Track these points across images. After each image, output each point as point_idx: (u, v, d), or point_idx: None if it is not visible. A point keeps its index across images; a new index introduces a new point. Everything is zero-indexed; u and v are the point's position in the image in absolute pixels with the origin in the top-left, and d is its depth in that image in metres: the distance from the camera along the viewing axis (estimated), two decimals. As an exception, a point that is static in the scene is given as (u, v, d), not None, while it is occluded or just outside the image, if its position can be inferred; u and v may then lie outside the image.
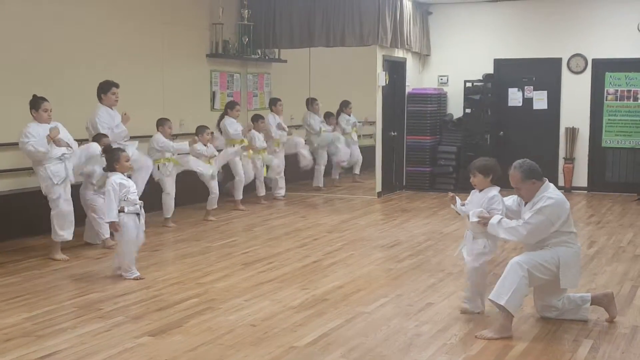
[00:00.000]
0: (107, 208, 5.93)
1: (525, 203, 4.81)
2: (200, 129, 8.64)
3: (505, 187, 4.96)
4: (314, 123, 11.29)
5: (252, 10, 10.70)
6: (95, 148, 6.91)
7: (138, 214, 6.00)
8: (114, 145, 7.06)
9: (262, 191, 9.98)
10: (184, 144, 8.42)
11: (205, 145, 8.59)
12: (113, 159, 6.14)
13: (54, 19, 7.95)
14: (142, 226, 6.08)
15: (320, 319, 4.93)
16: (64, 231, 6.69)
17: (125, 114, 7.50)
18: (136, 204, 6.00)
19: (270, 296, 5.47)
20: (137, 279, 5.90)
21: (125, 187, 5.99)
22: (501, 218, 4.75)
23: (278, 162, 10.16)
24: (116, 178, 6.01)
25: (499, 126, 11.65)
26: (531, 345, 4.46)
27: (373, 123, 12.23)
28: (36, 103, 6.68)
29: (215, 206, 8.79)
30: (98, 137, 7.16)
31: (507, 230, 4.72)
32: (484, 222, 4.80)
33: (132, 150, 7.32)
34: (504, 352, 4.33)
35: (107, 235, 7.16)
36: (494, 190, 4.92)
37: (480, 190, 4.97)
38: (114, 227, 5.93)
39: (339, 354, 4.27)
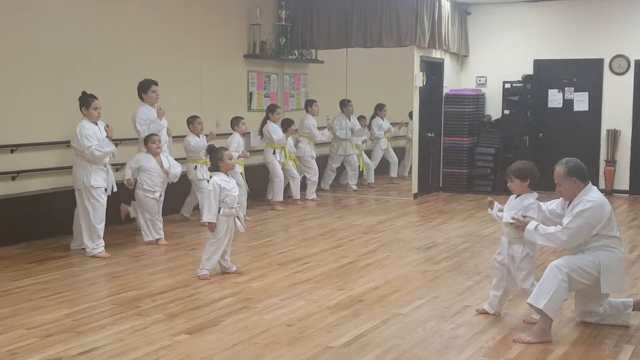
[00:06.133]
0: (206, 208, 5.85)
1: (568, 204, 4.73)
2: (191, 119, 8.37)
3: (546, 189, 4.88)
4: (337, 127, 11.16)
5: (289, 11, 10.73)
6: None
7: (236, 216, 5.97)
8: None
9: (296, 193, 10.00)
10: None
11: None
12: (216, 158, 5.97)
13: (95, 19, 8.06)
14: (241, 228, 5.99)
15: (356, 319, 4.92)
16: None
17: (160, 109, 7.61)
18: (232, 207, 5.95)
19: (306, 296, 5.48)
20: (202, 279, 5.89)
21: (226, 189, 5.90)
22: (537, 224, 4.67)
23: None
24: (218, 179, 5.91)
25: (539, 128, 11.49)
26: (571, 349, 4.39)
27: (398, 124, 12.23)
28: (86, 101, 6.76)
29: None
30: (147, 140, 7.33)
31: (545, 236, 4.64)
32: (517, 224, 4.74)
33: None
34: (542, 356, 4.26)
35: (150, 239, 7.29)
36: (531, 198, 4.82)
37: (518, 196, 4.89)
38: (211, 227, 5.88)
39: (374, 355, 4.25)
